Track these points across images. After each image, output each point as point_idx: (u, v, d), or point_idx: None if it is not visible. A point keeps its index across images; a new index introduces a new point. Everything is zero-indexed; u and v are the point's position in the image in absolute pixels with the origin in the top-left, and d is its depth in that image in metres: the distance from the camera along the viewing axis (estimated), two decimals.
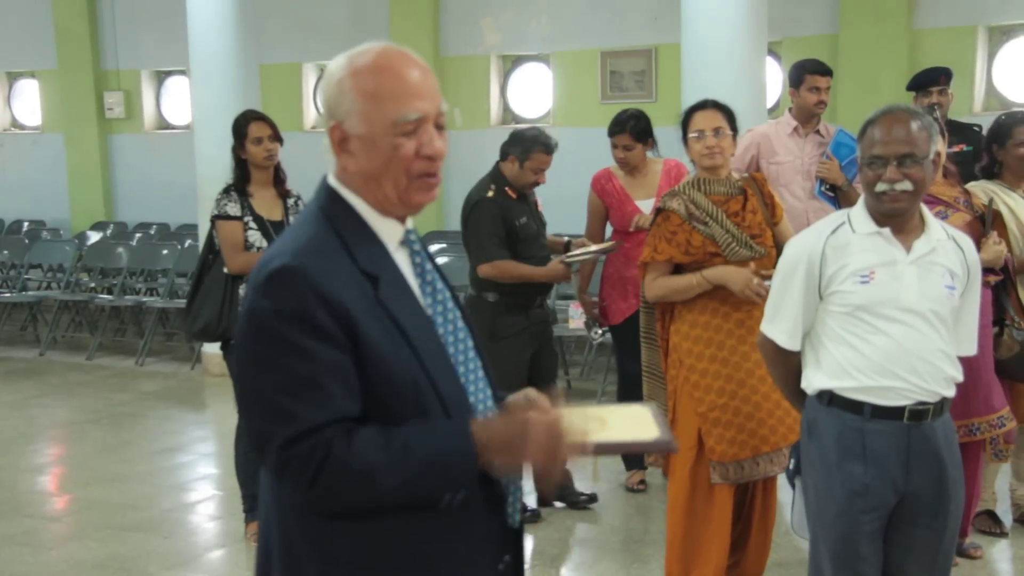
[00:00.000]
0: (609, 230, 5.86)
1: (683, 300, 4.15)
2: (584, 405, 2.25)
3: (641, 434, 2.11)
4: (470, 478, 1.89)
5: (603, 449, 2.07)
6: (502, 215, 5.30)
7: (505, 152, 5.44)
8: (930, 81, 5.86)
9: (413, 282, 2.03)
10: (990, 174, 4.88)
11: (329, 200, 2.03)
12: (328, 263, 1.92)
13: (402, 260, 2.03)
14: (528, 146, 5.34)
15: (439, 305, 2.04)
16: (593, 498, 5.60)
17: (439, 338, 1.99)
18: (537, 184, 5.44)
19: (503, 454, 1.88)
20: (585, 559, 5.05)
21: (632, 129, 5.58)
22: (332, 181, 2.04)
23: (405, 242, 2.05)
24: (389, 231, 2.03)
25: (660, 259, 4.13)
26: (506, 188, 5.38)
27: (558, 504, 5.57)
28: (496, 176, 5.43)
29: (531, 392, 1.99)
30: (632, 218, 5.60)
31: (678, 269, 4.16)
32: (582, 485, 5.66)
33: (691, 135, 4.14)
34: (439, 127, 2.01)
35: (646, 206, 5.52)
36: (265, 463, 1.91)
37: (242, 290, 4.83)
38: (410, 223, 2.08)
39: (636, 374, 5.77)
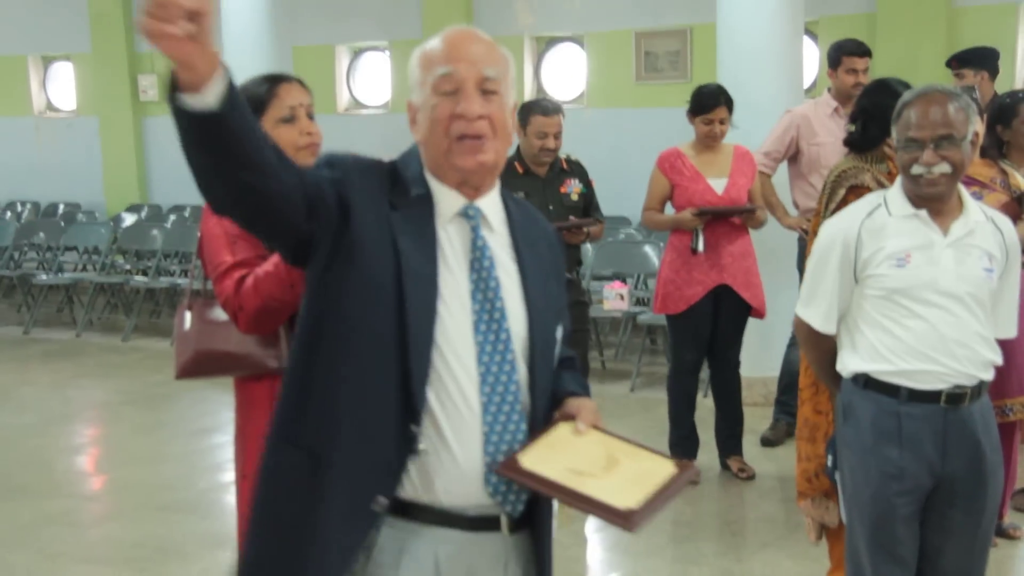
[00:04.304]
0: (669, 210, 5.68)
1: None
2: (616, 435, 2.10)
3: (617, 497, 1.90)
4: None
5: (560, 497, 1.92)
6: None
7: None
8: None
9: (459, 252, 2.04)
10: (994, 155, 4.75)
11: (407, 154, 2.12)
12: (368, 170, 2.05)
13: (454, 230, 2.06)
14: (525, 113, 5.28)
15: (481, 283, 2.04)
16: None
17: (435, 287, 1.99)
18: (546, 150, 5.31)
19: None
20: (679, 539, 4.94)
21: (727, 101, 5.45)
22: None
23: (463, 215, 2.07)
24: (447, 201, 2.07)
25: None
26: (515, 162, 5.34)
27: None
28: (515, 152, 5.40)
29: None
30: (703, 196, 5.42)
31: None
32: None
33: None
34: (486, 92, 2.02)
35: (718, 185, 5.44)
36: None
37: None
38: (484, 203, 2.09)
39: (695, 361, 5.64)
